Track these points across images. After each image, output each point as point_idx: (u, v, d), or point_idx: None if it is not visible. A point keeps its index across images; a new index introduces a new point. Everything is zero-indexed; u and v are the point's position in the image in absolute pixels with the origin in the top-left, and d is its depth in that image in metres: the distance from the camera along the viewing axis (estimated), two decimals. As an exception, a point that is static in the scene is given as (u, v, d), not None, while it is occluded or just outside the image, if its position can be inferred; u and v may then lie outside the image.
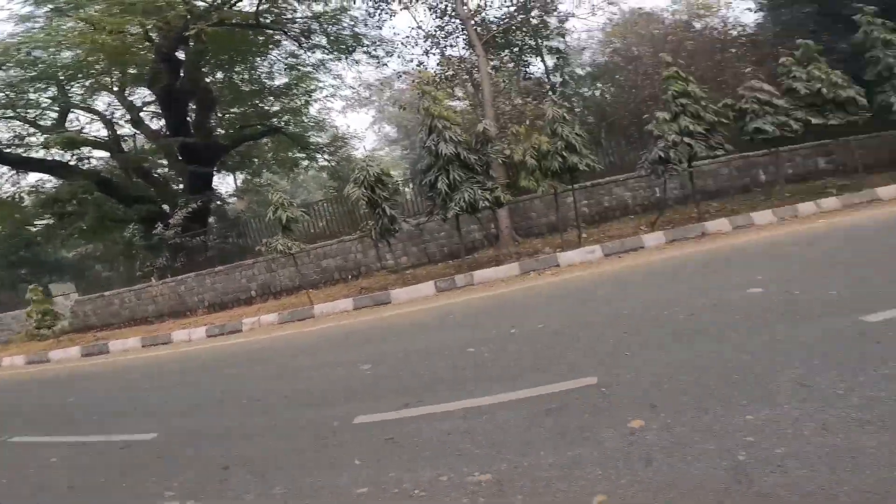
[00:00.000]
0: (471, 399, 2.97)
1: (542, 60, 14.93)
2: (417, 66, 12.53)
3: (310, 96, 16.89)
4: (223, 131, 16.84)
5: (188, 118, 14.78)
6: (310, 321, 7.07)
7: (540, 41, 14.24)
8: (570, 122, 6.99)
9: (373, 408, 3.21)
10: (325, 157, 17.31)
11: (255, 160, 17.88)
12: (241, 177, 21.53)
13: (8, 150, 14.26)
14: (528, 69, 14.76)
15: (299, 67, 16.05)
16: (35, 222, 15.89)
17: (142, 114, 15.94)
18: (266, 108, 17.11)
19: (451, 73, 11.30)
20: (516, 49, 14.05)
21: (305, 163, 18.20)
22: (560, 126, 6.83)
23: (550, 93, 12.59)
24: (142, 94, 16.41)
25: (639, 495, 1.84)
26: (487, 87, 9.55)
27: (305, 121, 17.30)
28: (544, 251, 7.54)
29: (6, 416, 5.26)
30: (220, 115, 16.77)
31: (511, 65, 13.85)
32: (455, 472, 2.27)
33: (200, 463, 3.04)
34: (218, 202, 15.61)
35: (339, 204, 10.82)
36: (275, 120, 16.78)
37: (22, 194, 15.43)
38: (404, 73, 14.59)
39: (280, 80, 16.56)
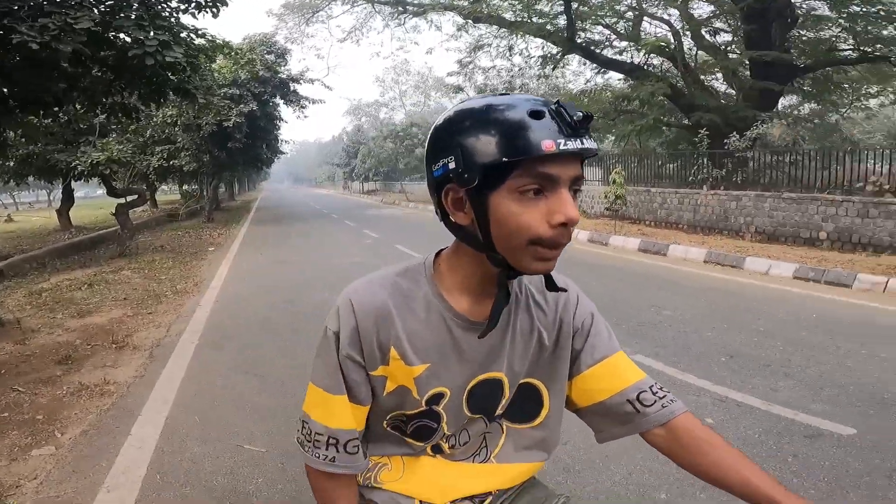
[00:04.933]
0: None
1: None
2: None
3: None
4: (799, 52, 14.47)
5: (770, 34, 13.29)
6: None
7: None
8: None
9: None
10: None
11: (839, 88, 14.71)
12: (785, 101, 18.85)
13: (597, 51, 16.92)
14: None
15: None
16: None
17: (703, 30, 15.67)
18: (872, 32, 13.22)
19: None
20: None
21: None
22: None
23: None
24: (701, 10, 16.14)
25: None
26: None
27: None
28: None
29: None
30: (798, 34, 14.35)
31: None
32: None
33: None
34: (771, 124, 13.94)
35: None
36: (880, 46, 12.87)
37: (592, 91, 18.37)
38: None
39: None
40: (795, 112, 17.29)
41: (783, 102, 18.86)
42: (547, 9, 16.04)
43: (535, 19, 15.89)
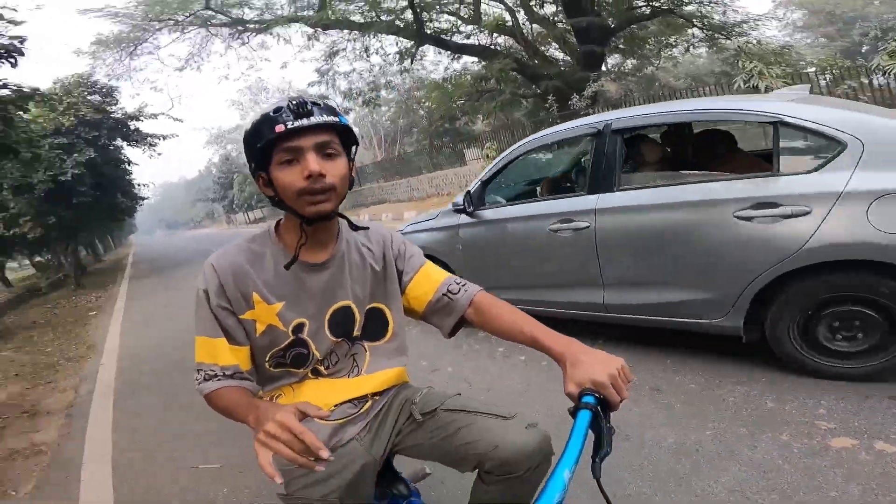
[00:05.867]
0: None
1: None
2: None
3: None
4: (609, 13, 16.55)
5: (581, 1, 14.99)
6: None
7: None
8: None
9: None
10: (731, 39, 14.86)
11: (646, 42, 17.05)
12: (612, 59, 21.34)
13: (447, 38, 17.84)
14: None
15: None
16: (457, 101, 19.91)
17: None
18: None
19: None
20: None
21: (701, 46, 16.23)
22: None
23: None
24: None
25: None
26: None
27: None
28: None
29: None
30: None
31: None
32: None
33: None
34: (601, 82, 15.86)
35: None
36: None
37: (452, 77, 19.30)
38: None
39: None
40: (619, 69, 19.74)
41: (611, 62, 21.36)
42: (393, 5, 16.51)
43: (383, 17, 16.27)
